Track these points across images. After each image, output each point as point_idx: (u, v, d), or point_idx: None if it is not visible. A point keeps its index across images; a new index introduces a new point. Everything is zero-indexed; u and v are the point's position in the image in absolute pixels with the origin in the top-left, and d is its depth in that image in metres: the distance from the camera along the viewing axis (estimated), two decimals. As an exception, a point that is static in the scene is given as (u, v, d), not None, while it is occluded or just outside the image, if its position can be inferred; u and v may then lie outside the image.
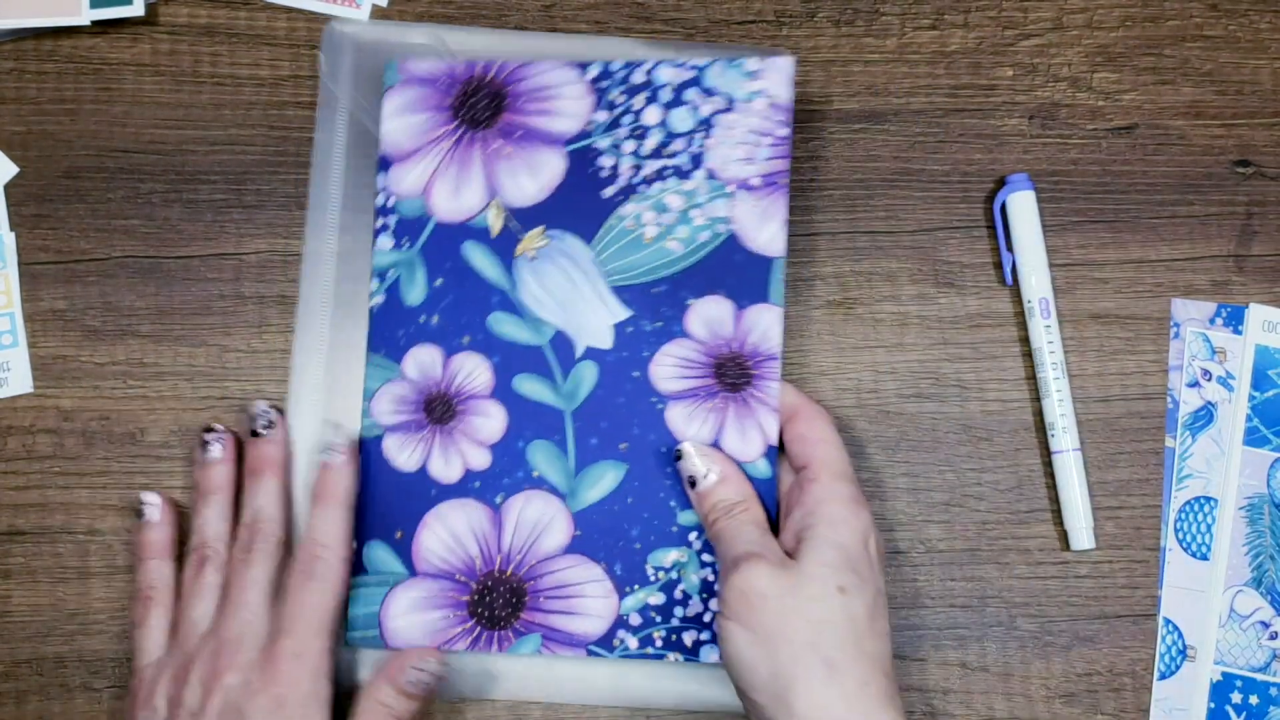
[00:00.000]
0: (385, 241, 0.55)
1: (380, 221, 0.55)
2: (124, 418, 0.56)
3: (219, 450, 0.54)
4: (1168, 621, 0.56)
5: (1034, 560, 0.56)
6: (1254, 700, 0.55)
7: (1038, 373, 0.56)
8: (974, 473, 0.56)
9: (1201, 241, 0.57)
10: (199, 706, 0.49)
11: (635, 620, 0.53)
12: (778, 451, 0.53)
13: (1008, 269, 0.56)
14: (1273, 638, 0.55)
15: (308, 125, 0.57)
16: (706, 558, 0.53)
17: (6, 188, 0.56)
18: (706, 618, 0.53)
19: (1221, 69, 0.58)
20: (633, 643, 0.53)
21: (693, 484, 0.52)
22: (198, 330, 0.56)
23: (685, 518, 0.53)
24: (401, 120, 0.55)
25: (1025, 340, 0.57)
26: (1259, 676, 0.55)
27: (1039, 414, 0.56)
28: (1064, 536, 0.56)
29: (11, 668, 0.55)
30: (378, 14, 0.57)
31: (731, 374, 0.53)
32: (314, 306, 0.56)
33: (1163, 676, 0.55)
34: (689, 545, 0.53)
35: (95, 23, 0.56)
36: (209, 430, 0.54)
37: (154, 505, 0.54)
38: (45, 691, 0.55)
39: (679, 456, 0.52)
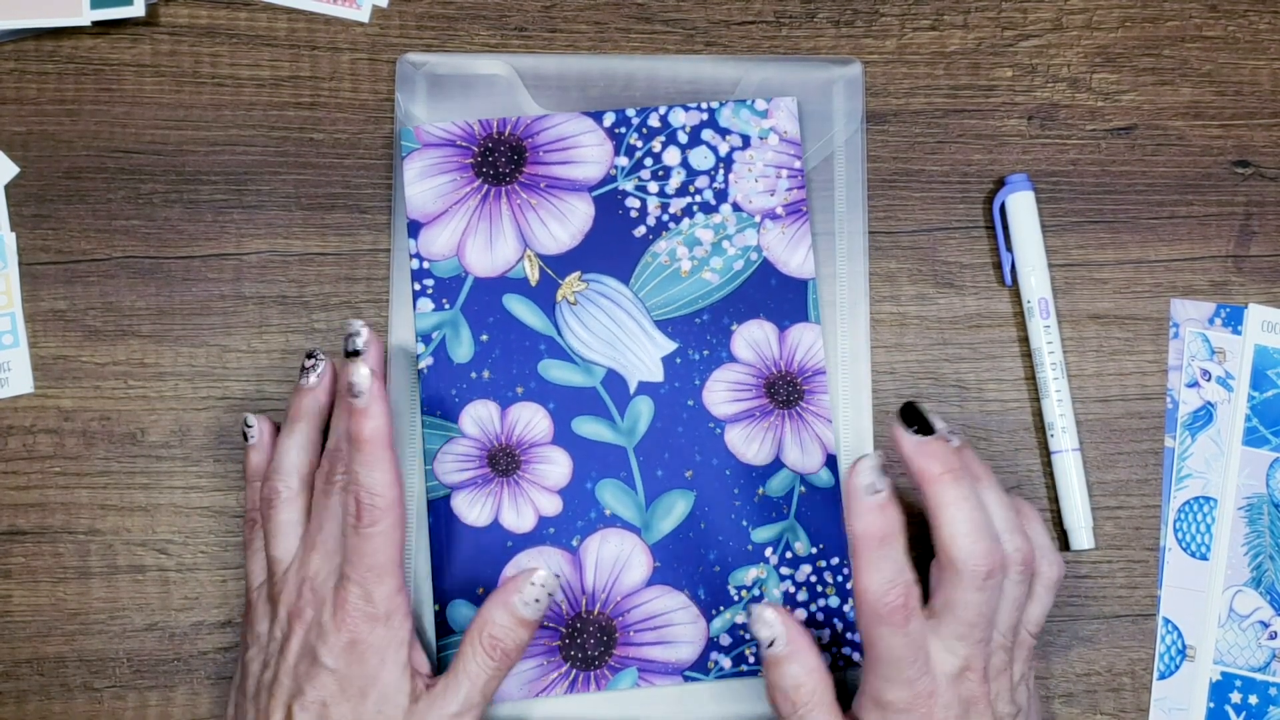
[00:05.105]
0: (425, 304, 0.55)
1: (417, 285, 0.55)
2: (124, 418, 0.56)
3: (314, 378, 0.53)
4: (1167, 621, 0.56)
5: (1033, 560, 0.56)
6: (1253, 700, 0.55)
7: (1037, 373, 0.56)
8: (973, 473, 0.56)
9: (1200, 242, 0.58)
10: (281, 645, 0.50)
11: (725, 640, 0.54)
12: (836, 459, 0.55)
13: (1007, 269, 0.57)
14: (1272, 637, 0.55)
15: (308, 125, 0.57)
16: (785, 571, 0.54)
17: (7, 188, 0.57)
18: None
19: (1220, 70, 0.58)
20: (726, 663, 0.54)
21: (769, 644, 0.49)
22: (198, 330, 0.56)
23: (759, 535, 0.54)
24: (424, 184, 0.56)
25: (1024, 340, 0.57)
26: (1258, 676, 0.55)
27: (1038, 414, 0.56)
28: (1063, 536, 0.56)
29: (11, 668, 0.55)
30: (377, 15, 0.57)
31: (783, 392, 0.55)
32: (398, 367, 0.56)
33: (1162, 676, 0.55)
34: (766, 561, 0.54)
35: (96, 23, 0.56)
36: (310, 355, 0.53)
37: (254, 428, 0.53)
38: (45, 691, 0.55)
39: (749, 615, 0.49)
